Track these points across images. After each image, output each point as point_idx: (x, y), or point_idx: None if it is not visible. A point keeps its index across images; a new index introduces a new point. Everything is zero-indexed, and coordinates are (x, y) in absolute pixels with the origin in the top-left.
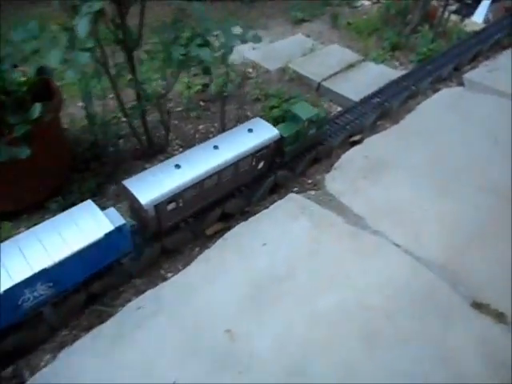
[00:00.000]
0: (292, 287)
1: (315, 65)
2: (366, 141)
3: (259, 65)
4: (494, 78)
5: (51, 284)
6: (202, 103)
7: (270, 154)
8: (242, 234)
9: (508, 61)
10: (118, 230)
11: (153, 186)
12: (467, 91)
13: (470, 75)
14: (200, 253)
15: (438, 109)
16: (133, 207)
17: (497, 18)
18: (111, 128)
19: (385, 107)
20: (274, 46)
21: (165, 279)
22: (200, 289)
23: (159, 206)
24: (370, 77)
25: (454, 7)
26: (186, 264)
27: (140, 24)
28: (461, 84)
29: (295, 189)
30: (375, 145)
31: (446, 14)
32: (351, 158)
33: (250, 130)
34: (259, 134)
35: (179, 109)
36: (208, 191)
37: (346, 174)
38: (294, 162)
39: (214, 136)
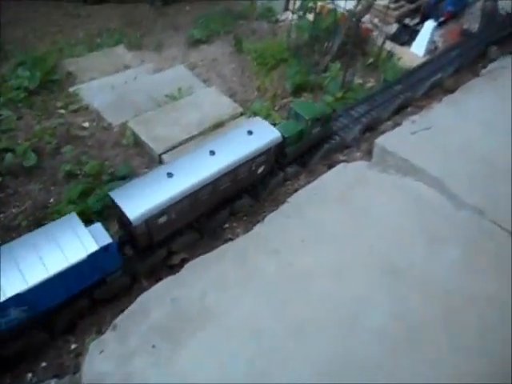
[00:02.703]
0: None
1: (167, 124)
2: (189, 266)
3: (101, 117)
4: (415, 145)
5: (26, 308)
6: None
7: (271, 157)
8: None
9: (447, 113)
10: (104, 249)
11: (143, 198)
12: (372, 169)
13: (384, 140)
14: None
15: (319, 201)
16: (121, 220)
17: (447, 44)
18: None
19: (237, 205)
20: (137, 86)
21: None
22: None
23: (149, 221)
24: None
25: (393, 28)
26: None
27: None
28: (369, 153)
29: (43, 364)
30: (197, 275)
31: (381, 39)
32: (149, 302)
33: (250, 132)
34: (259, 136)
35: None
36: (204, 200)
37: (128, 338)
38: (52, 320)
39: None
